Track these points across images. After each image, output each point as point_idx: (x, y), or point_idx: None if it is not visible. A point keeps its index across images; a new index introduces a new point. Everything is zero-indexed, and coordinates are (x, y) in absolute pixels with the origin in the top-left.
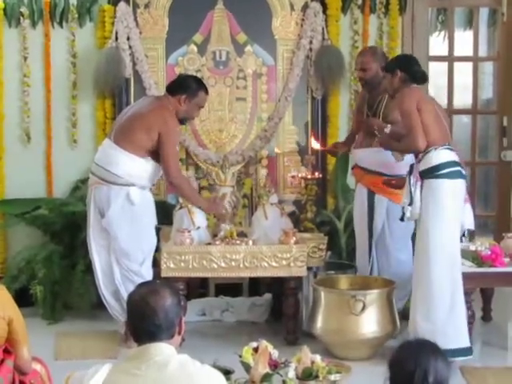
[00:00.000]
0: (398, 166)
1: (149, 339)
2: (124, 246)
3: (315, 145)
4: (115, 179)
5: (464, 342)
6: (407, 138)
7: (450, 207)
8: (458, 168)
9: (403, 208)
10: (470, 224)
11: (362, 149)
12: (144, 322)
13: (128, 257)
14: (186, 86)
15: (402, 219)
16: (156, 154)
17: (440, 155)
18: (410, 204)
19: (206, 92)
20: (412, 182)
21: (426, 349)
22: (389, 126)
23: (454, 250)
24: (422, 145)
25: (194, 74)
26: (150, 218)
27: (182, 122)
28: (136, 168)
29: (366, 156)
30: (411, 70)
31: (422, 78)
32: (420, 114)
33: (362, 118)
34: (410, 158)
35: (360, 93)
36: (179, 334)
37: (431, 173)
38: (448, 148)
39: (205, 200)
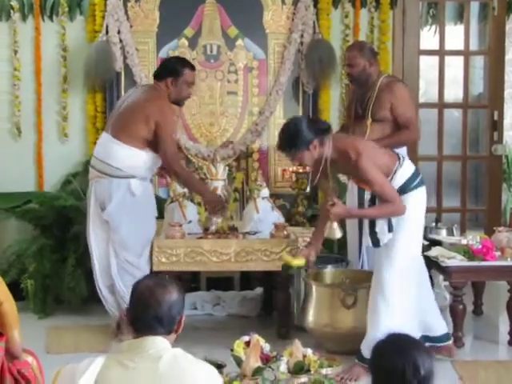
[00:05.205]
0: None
1: (147, 330)
2: (124, 237)
3: None
4: (116, 172)
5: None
6: (390, 206)
7: (418, 215)
8: (420, 176)
9: (375, 233)
10: None
11: None
12: (146, 312)
13: (127, 248)
14: (169, 69)
15: (377, 245)
16: (154, 145)
17: (405, 170)
18: (391, 230)
19: (192, 68)
20: None
21: (406, 342)
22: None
23: (418, 254)
24: (405, 208)
25: None
26: (151, 208)
27: (178, 103)
28: (135, 160)
29: None
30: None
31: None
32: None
33: (351, 113)
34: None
35: (351, 89)
36: (176, 332)
37: (404, 190)
38: (405, 158)
39: (208, 189)
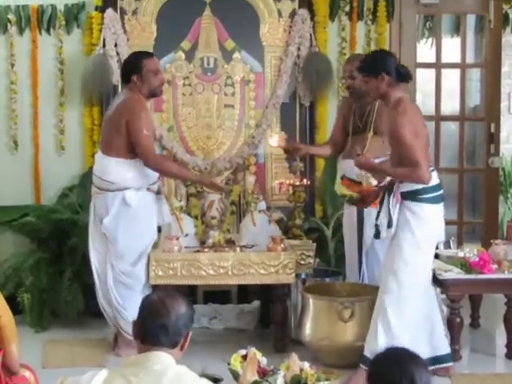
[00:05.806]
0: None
1: (152, 339)
2: (120, 248)
3: (273, 142)
4: (110, 186)
5: (443, 348)
6: (413, 170)
7: (428, 232)
8: (441, 192)
9: (378, 225)
10: (441, 236)
11: (349, 160)
12: (155, 321)
13: (123, 258)
14: (129, 67)
15: (377, 237)
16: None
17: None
18: (390, 226)
19: (149, 56)
20: (391, 203)
21: (404, 356)
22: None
23: (427, 275)
24: (430, 178)
25: (182, 80)
26: (149, 217)
27: (155, 95)
28: (124, 171)
29: (354, 167)
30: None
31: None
32: (417, 137)
33: (346, 126)
34: None
35: (344, 102)
36: (181, 348)
37: (414, 196)
38: (433, 169)
39: (194, 173)
